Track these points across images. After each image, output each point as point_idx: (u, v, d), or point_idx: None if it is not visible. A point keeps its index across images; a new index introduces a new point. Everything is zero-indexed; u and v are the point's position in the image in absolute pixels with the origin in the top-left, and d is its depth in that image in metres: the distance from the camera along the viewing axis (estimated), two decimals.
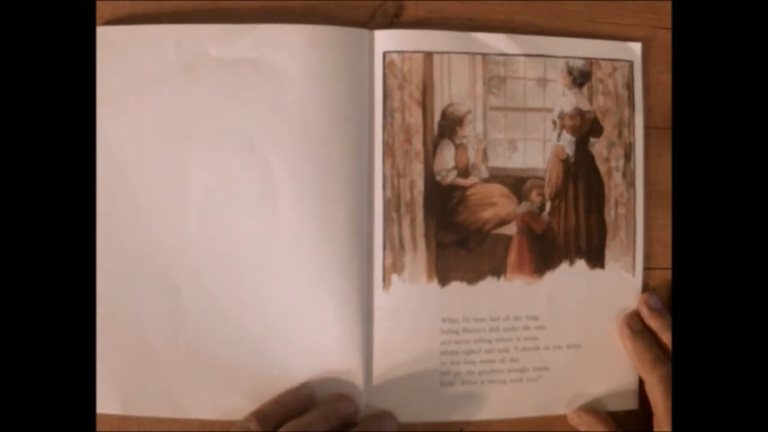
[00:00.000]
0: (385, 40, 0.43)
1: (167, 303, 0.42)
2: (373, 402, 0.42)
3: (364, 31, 0.43)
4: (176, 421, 0.42)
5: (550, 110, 0.44)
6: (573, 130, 0.44)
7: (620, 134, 0.45)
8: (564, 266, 0.44)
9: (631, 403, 0.44)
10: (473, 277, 0.43)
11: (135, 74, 0.42)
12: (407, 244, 0.43)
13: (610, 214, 0.44)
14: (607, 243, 0.44)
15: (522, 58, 0.44)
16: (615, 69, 0.45)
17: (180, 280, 0.42)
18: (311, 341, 0.42)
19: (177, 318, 0.42)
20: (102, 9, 0.43)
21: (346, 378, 0.42)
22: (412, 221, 0.43)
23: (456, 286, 0.43)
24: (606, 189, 0.44)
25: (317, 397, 0.41)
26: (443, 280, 0.43)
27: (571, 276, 0.44)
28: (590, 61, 0.44)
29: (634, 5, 0.45)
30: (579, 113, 0.44)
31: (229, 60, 0.42)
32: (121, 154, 0.42)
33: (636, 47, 0.45)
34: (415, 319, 0.43)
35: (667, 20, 0.45)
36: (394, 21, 0.44)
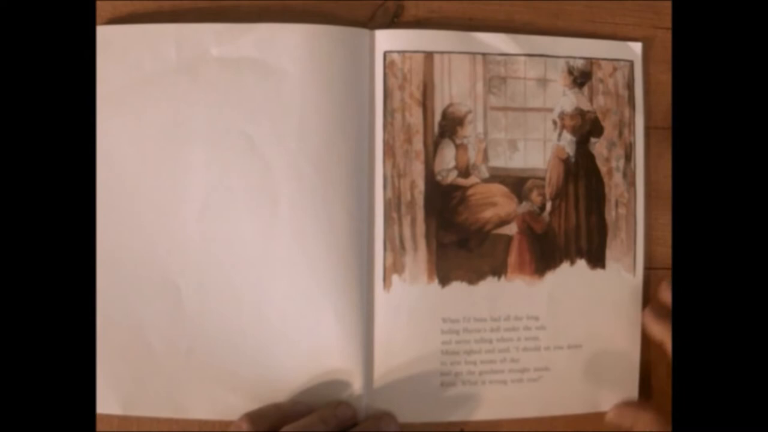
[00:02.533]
0: (386, 39, 0.43)
1: (167, 303, 0.42)
2: (374, 402, 0.42)
3: (365, 31, 0.43)
4: (176, 421, 0.42)
5: (550, 110, 0.44)
6: (573, 130, 0.44)
7: (620, 134, 0.45)
8: (565, 266, 0.44)
9: None
10: (474, 277, 0.43)
11: (135, 74, 0.42)
12: (408, 244, 0.43)
13: (610, 214, 0.45)
14: (608, 243, 0.44)
15: (522, 58, 0.44)
16: (615, 69, 0.45)
17: (180, 279, 0.42)
18: (311, 341, 0.42)
19: (177, 318, 0.42)
20: (102, 8, 0.43)
21: (347, 378, 0.42)
22: (413, 221, 0.43)
23: (456, 286, 0.43)
24: (606, 189, 0.45)
25: (316, 401, 0.42)
26: (444, 280, 0.43)
27: (571, 276, 0.44)
28: (590, 61, 0.44)
29: (634, 5, 0.45)
30: (579, 113, 0.44)
31: (229, 59, 0.42)
32: (121, 154, 0.42)
33: (636, 47, 0.45)
34: (416, 319, 0.43)
35: (667, 20, 0.45)
36: (394, 21, 0.44)
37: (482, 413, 0.43)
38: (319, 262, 0.42)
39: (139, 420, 0.42)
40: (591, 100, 0.44)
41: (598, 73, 0.44)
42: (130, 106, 0.42)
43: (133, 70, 0.42)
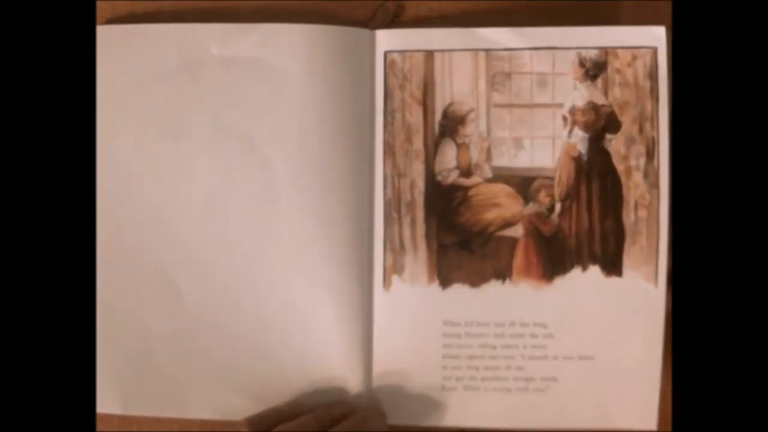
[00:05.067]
0: (386, 39, 0.43)
1: (167, 303, 0.43)
2: (374, 402, 0.42)
3: (365, 31, 0.43)
4: (176, 420, 0.43)
5: (560, 105, 0.43)
6: (586, 126, 0.42)
7: (641, 129, 0.42)
8: (576, 272, 0.42)
9: (650, 423, 0.42)
10: (476, 279, 0.43)
11: (136, 73, 0.43)
12: (408, 244, 0.43)
13: (629, 218, 0.42)
14: (626, 249, 0.42)
15: (528, 52, 0.42)
16: (635, 57, 0.42)
17: (180, 279, 0.42)
18: (311, 341, 0.42)
19: (177, 318, 0.42)
20: (102, 8, 0.43)
21: (346, 378, 0.42)
22: (413, 222, 0.43)
23: (458, 288, 0.43)
24: (624, 190, 0.42)
25: (315, 401, 0.42)
26: (444, 282, 0.43)
27: (583, 283, 0.42)
28: (605, 51, 0.42)
29: (634, 5, 0.44)
30: (593, 108, 0.42)
31: (230, 59, 0.43)
32: (122, 153, 0.43)
33: (660, 32, 0.42)
34: (416, 320, 0.43)
35: (667, 20, 0.44)
36: (394, 21, 0.44)
37: (484, 420, 0.43)
38: (319, 262, 0.42)
39: (139, 420, 0.43)
40: (606, 92, 0.42)
41: (614, 63, 0.42)
42: (130, 105, 0.43)
43: (134, 70, 0.43)
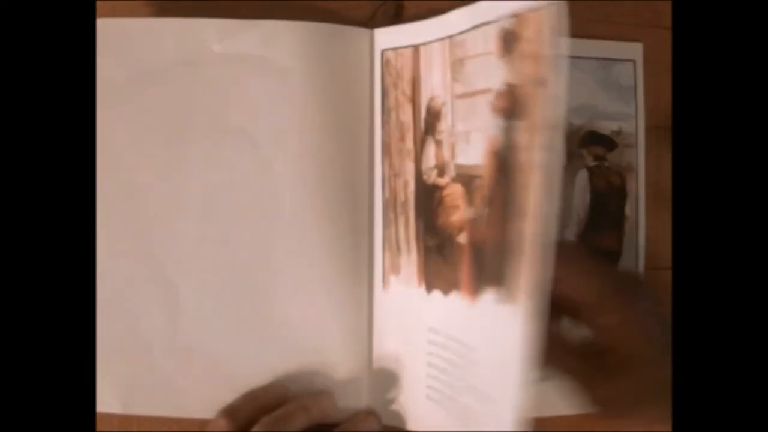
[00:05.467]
0: (384, 38, 0.43)
1: (167, 302, 0.43)
2: (374, 401, 0.43)
3: (365, 30, 0.43)
4: (176, 420, 0.43)
5: (488, 91, 0.36)
6: (505, 113, 0.34)
7: (546, 114, 0.31)
8: (489, 293, 0.35)
9: None
10: (447, 286, 0.38)
11: (135, 68, 0.43)
12: (402, 245, 0.42)
13: (526, 231, 0.32)
14: (518, 271, 0.32)
15: (472, 32, 0.37)
16: (542, 19, 0.32)
17: (180, 278, 0.43)
18: (311, 340, 0.43)
19: (177, 317, 0.43)
20: (102, 5, 0.43)
21: (346, 377, 0.43)
22: (406, 222, 0.42)
23: (436, 295, 0.39)
24: (522, 194, 0.33)
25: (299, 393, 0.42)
26: (429, 286, 0.40)
27: (490, 309, 0.34)
28: (519, 18, 0.33)
29: (634, 5, 0.45)
30: (509, 90, 0.34)
31: (230, 55, 0.43)
32: (121, 150, 0.43)
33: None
34: (409, 323, 0.41)
35: (667, 20, 0.44)
36: (394, 20, 0.44)
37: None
38: (319, 262, 0.42)
39: (139, 419, 0.43)
40: (518, 69, 0.34)
41: (526, 33, 0.33)
42: (130, 100, 0.43)
43: (134, 65, 0.43)
